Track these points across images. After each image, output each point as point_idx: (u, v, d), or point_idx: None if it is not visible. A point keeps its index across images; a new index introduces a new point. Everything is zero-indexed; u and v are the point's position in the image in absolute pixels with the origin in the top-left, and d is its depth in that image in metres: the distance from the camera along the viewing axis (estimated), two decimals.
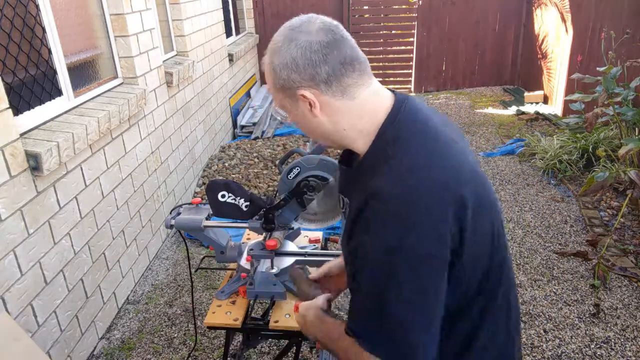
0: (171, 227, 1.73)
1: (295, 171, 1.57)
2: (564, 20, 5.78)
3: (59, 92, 2.52)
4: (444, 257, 0.86)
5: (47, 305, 2.17)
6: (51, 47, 2.45)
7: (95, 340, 2.58)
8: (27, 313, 2.04)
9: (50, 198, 2.20)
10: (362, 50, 0.97)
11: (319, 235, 2.08)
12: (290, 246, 1.87)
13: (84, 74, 2.81)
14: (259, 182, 4.27)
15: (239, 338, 2.10)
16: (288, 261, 1.77)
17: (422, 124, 0.94)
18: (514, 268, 3.05)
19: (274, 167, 4.58)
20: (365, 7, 7.35)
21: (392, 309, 0.86)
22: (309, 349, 2.37)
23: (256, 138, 5.44)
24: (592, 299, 2.76)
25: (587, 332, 2.53)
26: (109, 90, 2.96)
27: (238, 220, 1.70)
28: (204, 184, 4.37)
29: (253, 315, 1.73)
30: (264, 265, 1.75)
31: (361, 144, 0.96)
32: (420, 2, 7.17)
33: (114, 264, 2.80)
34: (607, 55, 3.79)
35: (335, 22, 0.94)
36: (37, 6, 2.36)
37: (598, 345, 2.44)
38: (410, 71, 7.62)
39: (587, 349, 2.42)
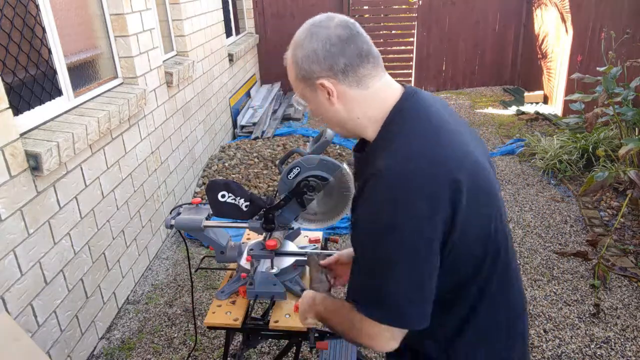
0: (171, 227, 1.73)
1: (295, 171, 1.57)
2: (564, 20, 5.78)
3: (59, 92, 2.52)
4: (436, 234, 0.91)
5: (47, 305, 2.17)
6: (51, 47, 2.45)
7: (95, 340, 2.59)
8: (27, 313, 2.04)
9: (50, 198, 2.20)
10: None
11: (319, 235, 2.08)
12: (290, 246, 1.87)
13: (84, 74, 2.81)
14: (259, 182, 4.27)
15: (239, 338, 2.10)
16: (288, 261, 1.77)
17: (426, 114, 1.00)
18: None
19: (274, 167, 4.58)
20: (365, 7, 7.35)
21: (384, 280, 0.93)
22: (309, 349, 2.37)
23: (256, 138, 5.43)
24: (592, 299, 2.76)
25: (587, 332, 2.53)
26: (109, 90, 2.96)
27: (238, 220, 1.70)
28: (204, 184, 4.37)
29: (253, 315, 1.73)
30: (264, 265, 1.75)
31: (371, 131, 1.03)
32: (420, 2, 7.17)
33: (114, 264, 2.80)
34: (607, 55, 3.79)
35: (352, 20, 1.02)
36: (37, 6, 2.36)
37: (598, 345, 2.44)
38: (410, 71, 7.62)
39: (587, 349, 2.42)
